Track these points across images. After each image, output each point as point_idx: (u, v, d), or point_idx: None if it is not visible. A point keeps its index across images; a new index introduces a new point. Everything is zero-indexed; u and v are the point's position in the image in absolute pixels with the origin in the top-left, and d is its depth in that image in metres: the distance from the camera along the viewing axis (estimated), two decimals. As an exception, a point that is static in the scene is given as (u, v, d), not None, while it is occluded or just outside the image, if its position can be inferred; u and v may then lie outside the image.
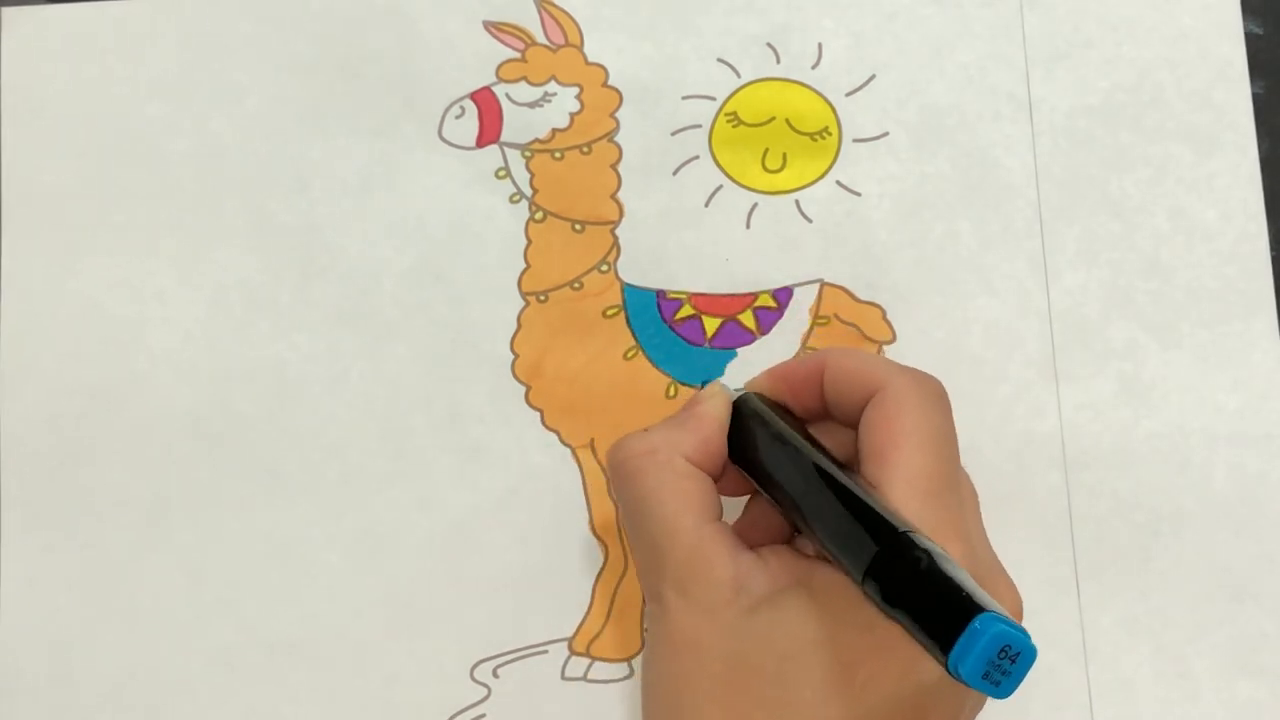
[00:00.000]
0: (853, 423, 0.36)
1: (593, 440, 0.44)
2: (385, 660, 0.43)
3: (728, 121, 0.45)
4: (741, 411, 0.37)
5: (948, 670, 0.27)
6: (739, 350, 0.44)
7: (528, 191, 0.45)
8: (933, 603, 0.28)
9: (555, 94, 0.46)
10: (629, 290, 0.44)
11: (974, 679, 0.26)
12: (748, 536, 0.35)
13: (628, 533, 0.36)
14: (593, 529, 0.43)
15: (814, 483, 0.33)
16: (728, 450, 0.37)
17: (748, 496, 0.38)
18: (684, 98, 0.46)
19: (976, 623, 0.26)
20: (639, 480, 0.35)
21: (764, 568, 0.34)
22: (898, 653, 0.32)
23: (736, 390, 0.38)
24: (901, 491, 0.32)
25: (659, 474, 0.35)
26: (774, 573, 0.34)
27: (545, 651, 0.43)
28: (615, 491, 0.36)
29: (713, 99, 0.46)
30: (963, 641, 0.26)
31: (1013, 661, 0.26)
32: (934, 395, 0.35)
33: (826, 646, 0.32)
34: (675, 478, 0.35)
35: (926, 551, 0.29)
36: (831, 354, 0.36)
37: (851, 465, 0.34)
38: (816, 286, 0.44)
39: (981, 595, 0.27)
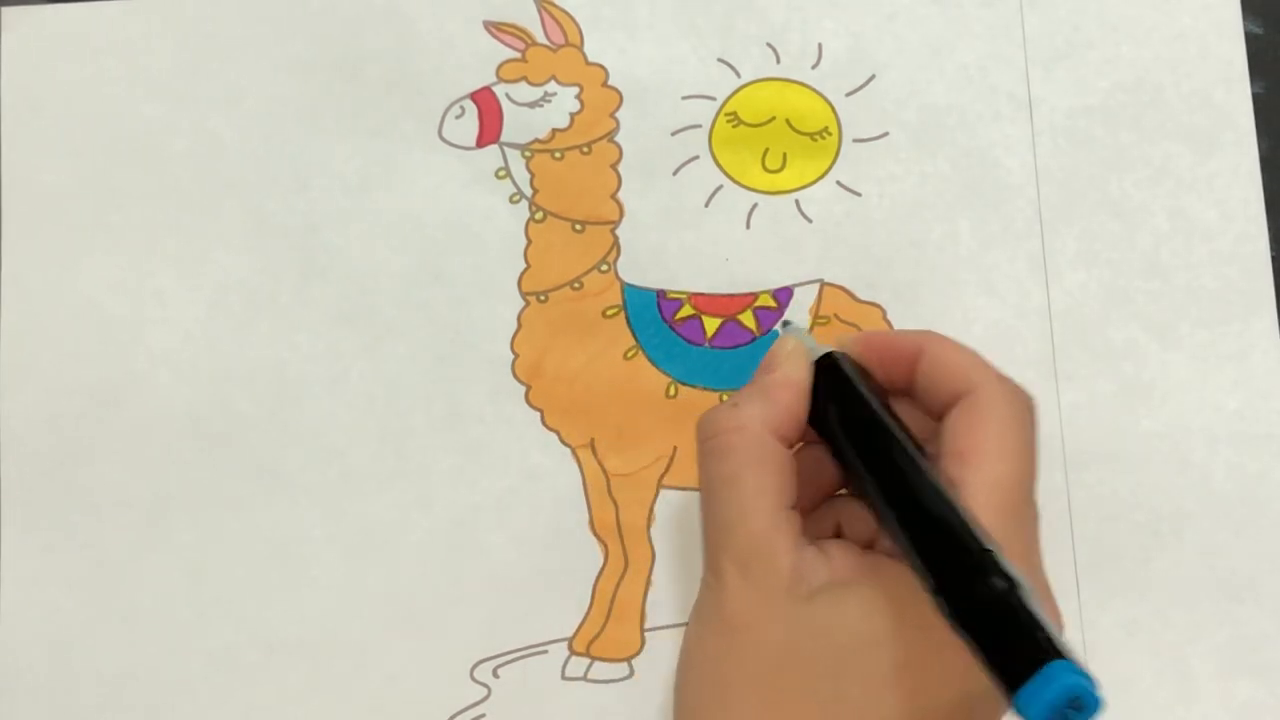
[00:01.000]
0: (935, 413, 0.35)
1: (593, 440, 0.44)
2: (385, 660, 0.43)
3: (728, 121, 0.45)
4: (825, 371, 0.36)
5: (1012, 707, 0.26)
6: (741, 347, 0.44)
7: (528, 191, 0.45)
8: (1008, 635, 0.27)
9: (555, 94, 0.46)
10: (629, 290, 0.44)
11: None
12: (798, 483, 0.35)
13: (702, 502, 0.36)
14: (593, 529, 0.43)
15: (896, 475, 0.32)
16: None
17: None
18: (684, 98, 0.46)
19: (1051, 669, 0.26)
20: (725, 459, 0.35)
21: (826, 561, 0.34)
22: (951, 659, 0.31)
23: (811, 341, 0.37)
24: (979, 498, 0.32)
25: (745, 453, 0.34)
26: (835, 566, 0.34)
27: (545, 651, 0.43)
28: (699, 462, 0.36)
29: (713, 99, 0.46)
30: (1034, 685, 0.26)
31: (1079, 711, 0.26)
32: (1025, 409, 0.35)
33: (882, 645, 0.32)
34: (760, 458, 0.34)
35: (1010, 578, 0.28)
36: (932, 341, 0.36)
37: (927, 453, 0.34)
38: (816, 286, 0.44)
39: (1059, 639, 0.27)
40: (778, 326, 0.44)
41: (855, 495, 0.36)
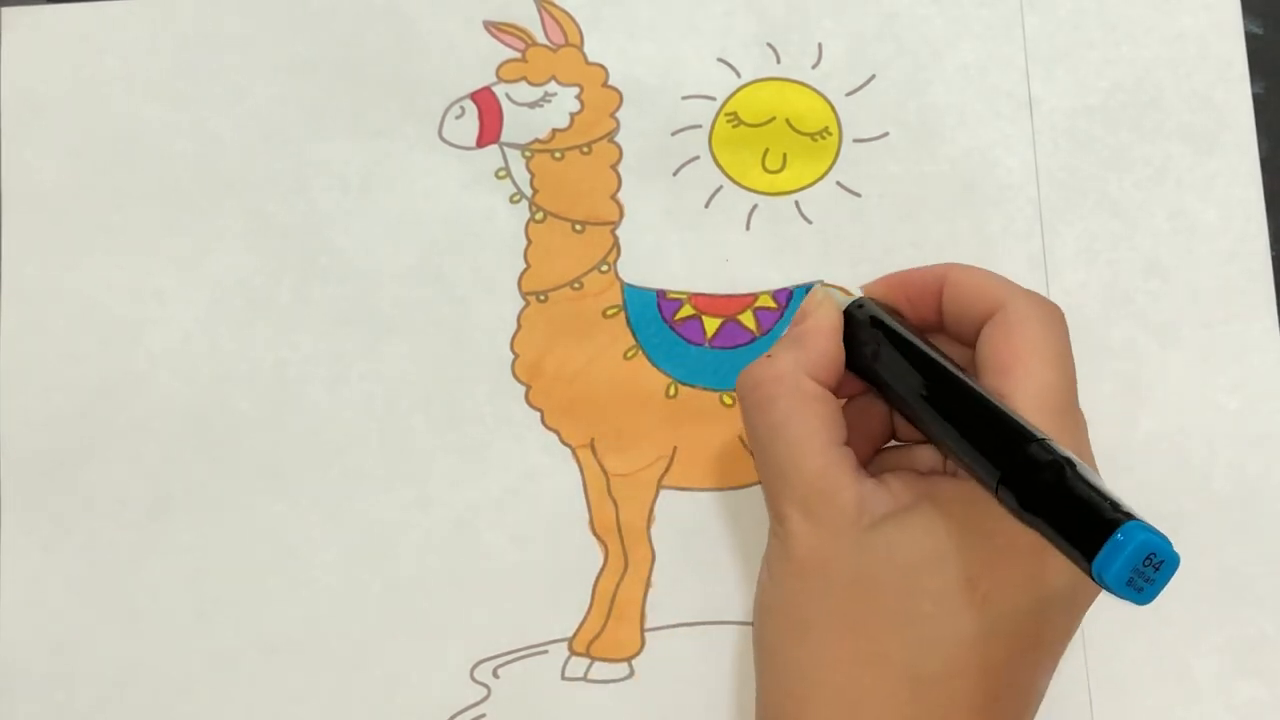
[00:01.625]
0: (968, 339, 0.36)
1: (593, 440, 0.44)
2: (385, 660, 0.43)
3: (728, 121, 0.45)
4: (856, 317, 0.37)
5: (1091, 577, 0.27)
6: (741, 348, 0.44)
7: (528, 191, 0.45)
8: (1074, 509, 0.28)
9: (555, 94, 0.46)
10: (629, 290, 0.44)
11: (1119, 585, 0.26)
12: (848, 437, 0.36)
13: (755, 456, 0.36)
14: (593, 529, 0.43)
15: (944, 389, 0.34)
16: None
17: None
18: (684, 98, 0.46)
19: (1121, 531, 0.26)
20: (770, 408, 0.35)
21: (886, 490, 0.34)
22: (1020, 564, 0.32)
23: (841, 292, 0.38)
24: (1026, 405, 0.33)
25: (790, 400, 0.35)
26: (895, 493, 0.34)
27: (545, 651, 0.43)
28: (744, 418, 0.36)
29: (713, 99, 0.46)
30: (1108, 548, 0.26)
31: (1156, 569, 0.26)
32: (1055, 317, 0.35)
33: (949, 559, 0.33)
34: (805, 402, 0.35)
35: (1067, 459, 0.29)
36: (953, 268, 0.37)
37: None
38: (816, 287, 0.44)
39: (1124, 503, 0.27)
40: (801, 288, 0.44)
41: (907, 420, 0.36)
